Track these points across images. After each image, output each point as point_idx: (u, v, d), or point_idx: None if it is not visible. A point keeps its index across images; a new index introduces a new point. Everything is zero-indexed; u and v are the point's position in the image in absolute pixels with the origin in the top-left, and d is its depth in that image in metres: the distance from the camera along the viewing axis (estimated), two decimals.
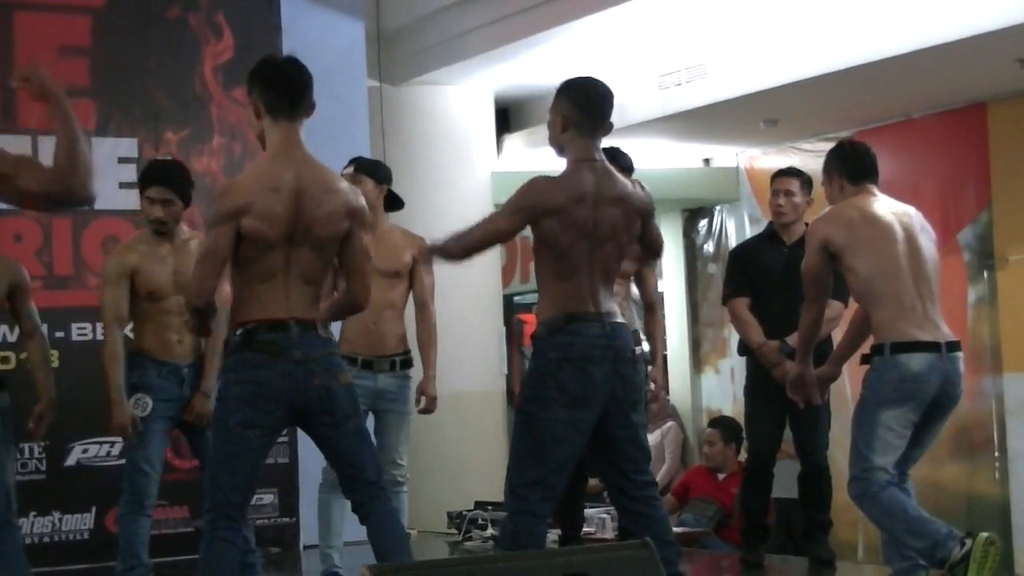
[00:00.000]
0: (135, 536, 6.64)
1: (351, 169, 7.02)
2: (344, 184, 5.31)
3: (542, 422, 5.41)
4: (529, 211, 5.44)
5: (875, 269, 5.95)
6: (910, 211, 6.14)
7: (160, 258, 6.74)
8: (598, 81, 5.63)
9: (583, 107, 5.54)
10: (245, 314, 5.15)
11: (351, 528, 7.19)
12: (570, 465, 5.55)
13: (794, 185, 7.58)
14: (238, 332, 5.15)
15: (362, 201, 5.35)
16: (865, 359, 6.09)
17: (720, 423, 10.51)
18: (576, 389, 5.39)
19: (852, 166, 6.19)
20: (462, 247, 5.54)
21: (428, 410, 7.17)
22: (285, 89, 5.25)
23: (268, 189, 5.10)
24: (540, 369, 5.47)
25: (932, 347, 5.88)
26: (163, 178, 6.77)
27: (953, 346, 5.96)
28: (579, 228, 5.42)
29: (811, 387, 6.31)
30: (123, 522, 6.72)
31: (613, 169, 5.60)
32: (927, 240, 6.10)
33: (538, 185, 5.47)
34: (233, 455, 5.11)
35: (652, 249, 5.91)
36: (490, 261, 11.22)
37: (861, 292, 6.07)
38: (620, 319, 5.59)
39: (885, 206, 6.07)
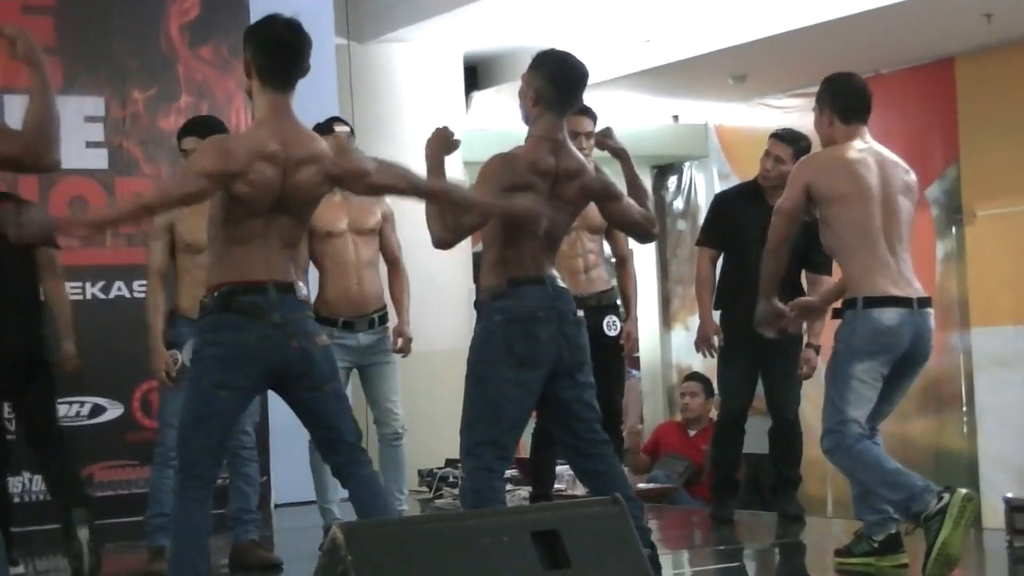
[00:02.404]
0: (161, 487, 6.75)
1: (348, 129, 7.13)
2: (324, 148, 5.20)
3: (491, 383, 5.46)
4: (507, 189, 5.45)
5: (847, 224, 5.95)
6: (896, 169, 6.07)
7: (200, 211, 6.75)
8: (576, 60, 5.61)
9: (558, 86, 5.54)
10: (222, 276, 5.11)
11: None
12: (521, 425, 5.63)
13: (786, 153, 7.43)
14: (215, 294, 5.10)
15: (342, 164, 5.24)
16: (837, 313, 6.12)
17: (700, 377, 10.51)
18: (522, 350, 5.43)
19: (846, 103, 6.09)
20: (456, 232, 5.50)
21: (404, 350, 7.30)
22: (278, 57, 5.16)
23: (262, 158, 5.04)
24: (487, 331, 5.51)
25: (904, 302, 5.90)
26: (195, 128, 6.85)
27: (924, 302, 5.96)
28: (536, 201, 5.45)
29: (781, 317, 6.31)
30: (152, 473, 6.93)
31: (572, 147, 5.64)
32: (906, 199, 6.08)
33: (508, 164, 5.49)
34: (206, 416, 5.08)
35: (634, 229, 5.91)
36: None
37: (834, 247, 6.07)
38: (562, 283, 5.64)
39: (870, 158, 6.00)
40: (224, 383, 5.05)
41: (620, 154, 5.87)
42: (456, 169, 11.26)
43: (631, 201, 5.75)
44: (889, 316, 5.86)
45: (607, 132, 5.89)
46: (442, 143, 5.52)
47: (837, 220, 5.97)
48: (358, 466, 5.27)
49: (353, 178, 5.27)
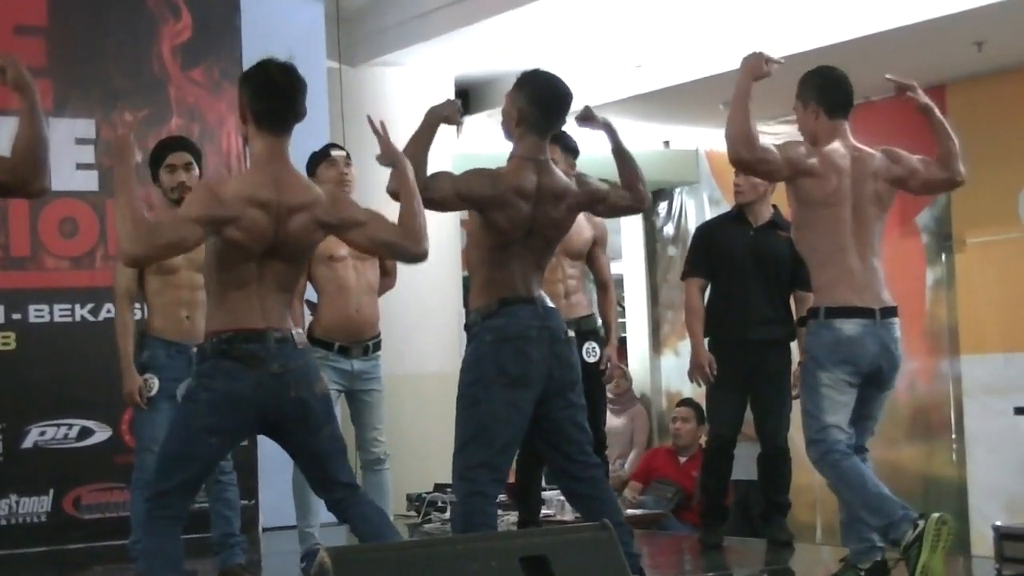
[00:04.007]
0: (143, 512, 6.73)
1: (344, 153, 7.19)
2: (317, 196, 5.18)
3: (484, 404, 5.46)
4: (480, 198, 5.48)
5: (820, 232, 5.95)
6: (867, 172, 6.02)
7: None
8: (560, 81, 5.65)
9: (542, 107, 5.59)
10: (221, 322, 5.08)
11: (325, 510, 7.26)
12: (514, 446, 5.61)
13: None
14: (214, 339, 5.06)
15: (336, 214, 5.20)
16: (802, 322, 6.16)
17: (692, 403, 10.49)
18: (515, 369, 5.43)
19: (833, 97, 6.07)
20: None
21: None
22: (274, 102, 5.12)
23: (256, 205, 5.01)
24: (478, 352, 5.51)
25: (866, 313, 5.90)
26: (181, 144, 6.94)
27: (888, 312, 5.96)
28: (519, 222, 5.51)
29: None
30: (133, 497, 6.89)
31: (554, 167, 5.68)
32: (875, 207, 6.04)
33: (491, 178, 5.53)
34: (191, 457, 5.05)
35: (625, 212, 6.02)
36: (450, 243, 11.21)
37: (806, 254, 6.08)
38: (551, 303, 5.66)
39: (848, 163, 5.98)
40: (214, 428, 5.02)
41: (606, 128, 5.87)
42: None
43: (617, 190, 5.78)
44: (850, 327, 5.88)
45: (586, 113, 5.87)
46: (445, 112, 5.60)
47: (810, 227, 5.98)
48: (354, 499, 5.23)
49: (347, 227, 5.23)
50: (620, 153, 5.86)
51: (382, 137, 5.46)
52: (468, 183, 5.52)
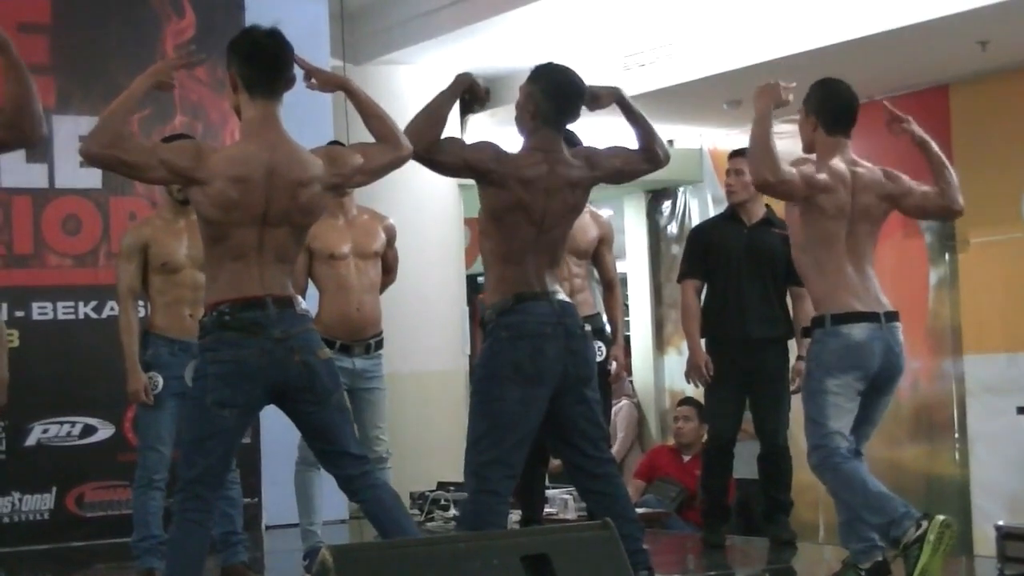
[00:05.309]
0: (146, 509, 6.79)
1: None
2: (318, 164, 5.19)
3: (497, 401, 5.44)
4: (476, 171, 5.52)
5: (815, 242, 5.96)
6: (867, 176, 6.06)
7: (175, 232, 6.83)
8: (574, 75, 5.64)
9: (555, 100, 5.58)
10: (219, 293, 5.08)
11: (327, 508, 7.25)
12: (527, 442, 5.57)
13: (744, 164, 7.53)
14: (214, 312, 5.06)
15: (340, 171, 5.25)
16: (806, 332, 6.15)
17: (693, 402, 10.49)
18: (529, 366, 5.42)
19: (832, 113, 6.06)
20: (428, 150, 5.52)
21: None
22: (263, 65, 5.16)
23: (233, 178, 5.01)
24: (493, 348, 5.50)
25: (872, 317, 5.91)
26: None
27: (892, 316, 5.97)
28: (528, 215, 5.50)
29: None
30: (135, 496, 6.89)
31: (568, 157, 5.66)
32: (868, 223, 6.04)
33: (505, 155, 5.54)
34: (209, 435, 5.04)
35: (642, 172, 5.91)
36: (454, 241, 11.23)
37: (801, 263, 6.08)
38: (567, 298, 5.65)
39: (846, 177, 5.99)
40: (226, 401, 5.01)
41: (616, 100, 5.84)
42: (450, 191, 11.30)
43: (631, 157, 5.77)
44: (858, 332, 5.88)
45: (592, 93, 5.82)
46: (472, 81, 5.63)
47: (813, 241, 5.98)
48: (366, 478, 5.23)
49: (351, 176, 5.30)
50: (632, 117, 5.84)
51: (313, 68, 5.46)
52: (476, 151, 5.54)
